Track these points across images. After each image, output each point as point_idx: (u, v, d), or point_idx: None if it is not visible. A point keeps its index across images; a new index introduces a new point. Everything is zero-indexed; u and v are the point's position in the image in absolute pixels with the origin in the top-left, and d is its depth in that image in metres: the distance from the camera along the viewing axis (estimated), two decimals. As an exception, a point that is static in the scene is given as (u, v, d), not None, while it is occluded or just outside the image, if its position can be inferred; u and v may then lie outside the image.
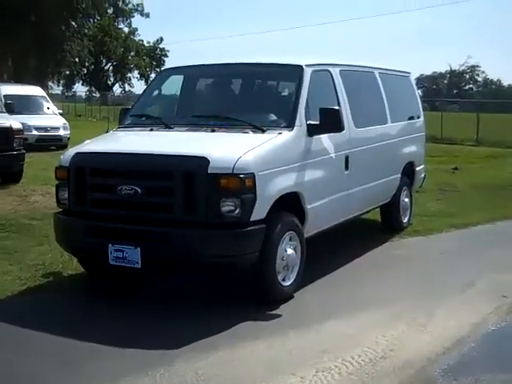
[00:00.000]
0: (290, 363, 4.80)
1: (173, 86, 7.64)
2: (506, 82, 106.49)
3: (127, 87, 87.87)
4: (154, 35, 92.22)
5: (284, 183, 6.04)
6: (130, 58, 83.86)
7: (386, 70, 8.92)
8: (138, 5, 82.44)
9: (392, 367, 4.72)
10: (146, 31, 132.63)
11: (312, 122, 6.45)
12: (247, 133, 6.20)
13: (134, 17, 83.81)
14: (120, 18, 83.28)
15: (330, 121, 6.42)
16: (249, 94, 7.25)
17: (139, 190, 5.72)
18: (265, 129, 6.21)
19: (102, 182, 6.01)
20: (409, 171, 9.32)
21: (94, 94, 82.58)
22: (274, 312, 5.87)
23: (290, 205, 6.23)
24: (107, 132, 7.12)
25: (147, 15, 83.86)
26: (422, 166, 9.88)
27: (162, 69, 7.67)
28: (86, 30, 53.94)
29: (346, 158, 7.19)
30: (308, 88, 6.61)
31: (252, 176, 5.60)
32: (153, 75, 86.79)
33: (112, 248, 5.83)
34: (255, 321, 5.66)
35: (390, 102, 8.55)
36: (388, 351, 4.99)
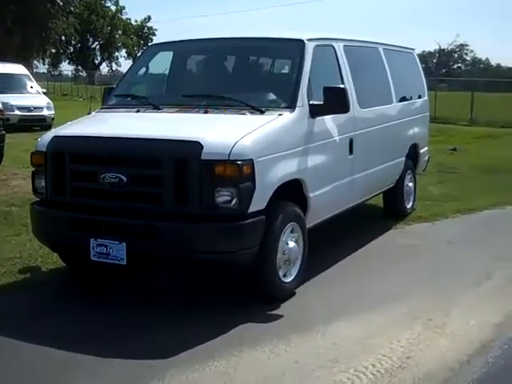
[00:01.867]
0: (295, 375, 4.26)
1: (161, 63, 6.97)
2: (493, 62, 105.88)
3: (114, 66, 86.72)
4: (141, 14, 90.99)
5: (285, 170, 5.46)
6: (117, 36, 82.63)
7: (390, 45, 8.32)
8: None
9: (412, 379, 4.17)
10: (133, 10, 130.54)
11: (315, 103, 5.85)
12: (244, 114, 5.59)
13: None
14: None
15: (334, 101, 5.82)
16: (245, 71, 6.59)
17: (124, 179, 5.12)
18: (263, 110, 5.60)
19: (83, 170, 5.39)
20: (413, 154, 8.75)
21: (80, 73, 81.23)
22: (275, 312, 5.31)
23: (291, 193, 5.66)
24: (89, 113, 6.46)
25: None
26: (425, 149, 9.33)
27: (149, 44, 6.94)
28: (72, 8, 52.80)
29: (351, 142, 6.60)
30: (310, 65, 6.00)
31: (250, 162, 5.01)
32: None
33: (94, 243, 5.24)
34: (255, 323, 5.10)
35: (394, 81, 7.96)
36: (405, 359, 4.44)
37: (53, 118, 20.59)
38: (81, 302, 5.64)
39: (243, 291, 5.72)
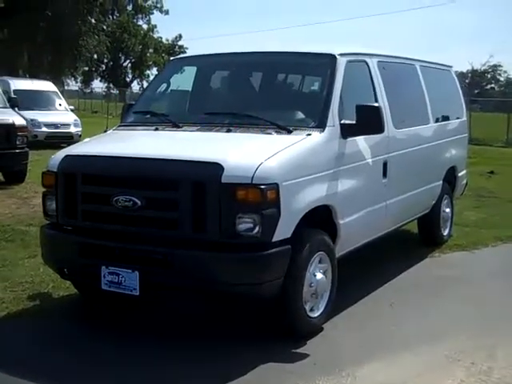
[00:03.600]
0: (322, 428, 3.78)
1: (183, 78, 6.60)
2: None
3: (145, 84, 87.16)
4: (172, 32, 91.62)
5: (314, 195, 5.01)
6: (148, 55, 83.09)
7: (428, 62, 7.83)
8: (157, 1, 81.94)
9: None
10: (165, 28, 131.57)
11: (347, 122, 5.40)
12: (270, 134, 5.15)
13: (153, 14, 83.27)
14: (139, 15, 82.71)
15: (368, 120, 5.36)
16: (271, 88, 6.15)
17: (138, 202, 4.71)
18: (291, 129, 5.16)
19: (95, 191, 5.00)
20: (450, 177, 8.24)
21: (112, 91, 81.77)
22: (300, 351, 4.83)
23: (320, 220, 5.20)
24: (106, 131, 6.08)
25: (166, 12, 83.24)
26: (464, 172, 8.81)
27: (171, 58, 6.53)
28: (105, 27, 53.20)
29: (385, 164, 6.13)
30: (342, 81, 5.56)
31: (275, 187, 4.57)
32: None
33: (105, 271, 4.84)
34: (277, 363, 4.63)
35: (431, 100, 7.47)
36: (446, 412, 3.94)
37: (80, 135, 20.41)
38: (91, 333, 5.21)
39: (264, 327, 5.25)
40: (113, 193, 4.82)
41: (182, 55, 6.85)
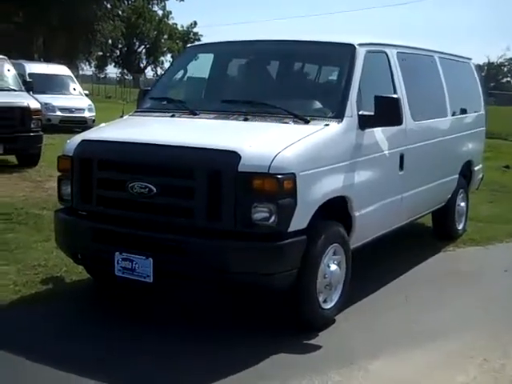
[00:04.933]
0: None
1: (200, 65, 6.55)
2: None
3: (159, 70, 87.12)
4: (188, 19, 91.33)
5: (330, 186, 4.97)
6: (162, 41, 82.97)
7: (447, 54, 7.74)
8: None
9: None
10: (180, 15, 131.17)
11: (365, 113, 5.34)
12: (287, 123, 5.11)
13: (168, 0, 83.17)
14: (154, 1, 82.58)
15: (387, 112, 5.30)
16: (289, 76, 6.09)
17: (154, 189, 4.69)
18: (309, 119, 5.11)
19: (111, 177, 4.98)
20: (466, 171, 8.17)
21: (126, 77, 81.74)
22: (311, 342, 4.81)
23: (335, 211, 5.16)
24: (122, 116, 6.05)
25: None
26: (480, 166, 8.73)
27: (188, 46, 6.48)
28: (120, 12, 53.02)
29: (401, 157, 6.07)
30: (361, 72, 5.50)
31: (292, 177, 4.53)
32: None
33: (119, 257, 4.82)
34: (289, 354, 4.61)
35: (450, 92, 7.39)
36: (459, 409, 3.91)
37: (93, 120, 20.41)
38: (104, 319, 5.21)
39: (276, 317, 5.23)
40: (128, 179, 4.80)
41: (198, 42, 6.69)
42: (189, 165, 4.63)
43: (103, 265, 5.09)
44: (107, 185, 4.99)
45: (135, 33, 77.98)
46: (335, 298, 5.16)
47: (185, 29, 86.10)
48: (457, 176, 7.81)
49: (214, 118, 5.37)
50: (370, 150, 5.52)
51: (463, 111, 7.95)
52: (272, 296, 5.12)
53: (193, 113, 5.51)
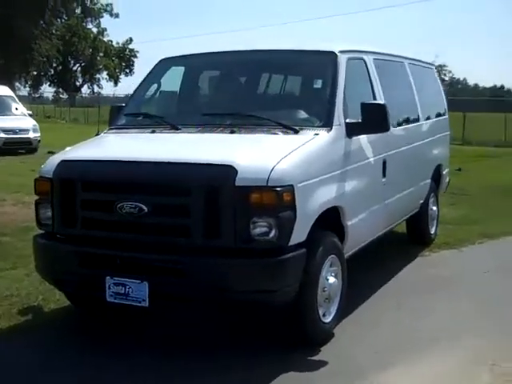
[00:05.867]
0: None
1: (174, 78, 6.35)
2: (471, 82, 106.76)
3: (96, 88, 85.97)
4: (123, 35, 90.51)
5: (326, 196, 4.85)
6: (98, 58, 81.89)
7: (414, 60, 7.76)
8: (106, 5, 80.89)
9: None
10: (115, 32, 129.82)
11: (352, 121, 5.26)
12: (276, 134, 4.97)
13: (102, 17, 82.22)
14: (88, 18, 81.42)
15: (374, 118, 5.22)
16: (271, 86, 5.99)
17: (145, 208, 4.47)
18: (297, 129, 4.99)
19: (97, 198, 4.74)
20: (437, 175, 8.20)
21: (61, 96, 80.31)
22: (316, 358, 4.67)
23: (328, 222, 5.04)
24: (98, 134, 5.80)
25: (116, 15, 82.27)
26: (447, 170, 8.79)
27: (161, 58, 6.27)
28: (54, 30, 52.06)
29: (384, 163, 6.01)
30: (344, 79, 5.42)
31: (291, 188, 4.39)
32: (122, 76, 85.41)
33: (110, 281, 4.58)
34: (297, 372, 4.45)
35: (420, 97, 7.41)
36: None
37: (39, 141, 19.88)
38: (90, 347, 4.94)
39: (274, 334, 5.07)
40: (116, 199, 4.57)
41: (171, 55, 6.35)
42: (182, 181, 4.44)
43: (92, 291, 4.84)
44: (93, 206, 4.75)
45: (70, 51, 76.80)
46: (333, 310, 5.04)
47: (120, 45, 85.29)
48: (429, 180, 7.83)
49: (199, 132, 5.19)
50: (357, 157, 5.44)
51: (432, 116, 7.99)
52: (268, 313, 4.95)
53: (174, 127, 5.31)
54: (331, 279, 4.94)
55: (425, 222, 7.92)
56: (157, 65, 6.29)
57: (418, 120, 7.28)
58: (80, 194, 4.74)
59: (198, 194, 4.35)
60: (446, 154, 8.73)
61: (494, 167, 17.40)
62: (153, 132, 5.36)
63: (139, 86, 6.17)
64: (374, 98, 5.93)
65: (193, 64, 6.29)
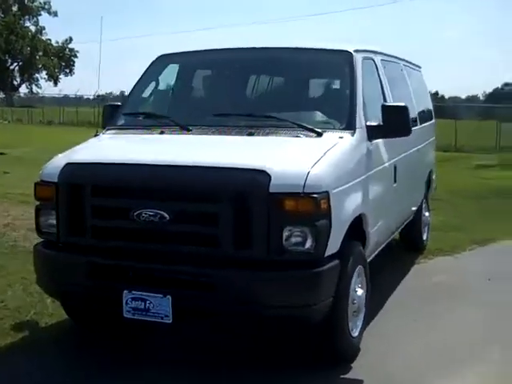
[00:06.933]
0: None
1: (171, 77, 5.96)
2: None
3: (34, 88, 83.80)
4: (62, 35, 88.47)
5: (354, 203, 4.58)
6: (37, 57, 79.74)
7: (407, 62, 7.57)
8: (45, 3, 78.98)
9: None
10: (54, 30, 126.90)
11: (372, 124, 5.02)
12: (299, 137, 4.67)
13: (40, 15, 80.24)
14: (26, 16, 79.29)
15: (396, 121, 4.99)
16: (284, 87, 5.64)
17: (167, 216, 4.10)
18: (320, 131, 4.70)
19: (110, 205, 4.34)
20: (429, 180, 8.06)
21: (-2, 95, 77.95)
22: (350, 376, 4.39)
23: (352, 230, 4.77)
24: (96, 135, 5.35)
25: (55, 14, 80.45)
26: (435, 175, 8.65)
27: (158, 55, 5.88)
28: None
29: (395, 168, 5.80)
30: (362, 79, 5.18)
31: (327, 195, 4.10)
32: (62, 76, 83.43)
33: (128, 296, 4.18)
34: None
35: (416, 100, 7.24)
36: None
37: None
38: (97, 367, 4.54)
39: (294, 349, 4.78)
40: (133, 206, 4.18)
41: (172, 51, 5.94)
42: (211, 187, 4.08)
43: (105, 305, 4.45)
44: (105, 213, 4.34)
45: (7, 49, 74.67)
46: (359, 324, 4.78)
47: (60, 45, 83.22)
48: (424, 185, 7.68)
49: (213, 134, 4.83)
50: (376, 162, 5.20)
51: (425, 119, 7.83)
52: (298, 328, 4.64)
53: (184, 128, 4.94)
54: (359, 291, 4.69)
55: (418, 228, 7.76)
56: (154, 62, 5.89)
57: (416, 124, 7.09)
58: (90, 200, 4.34)
59: (227, 200, 4.01)
60: (434, 158, 8.61)
61: (449, 172, 17.47)
62: (162, 133, 4.98)
63: (137, 83, 5.77)
64: (385, 100, 5.71)
65: (193, 62, 5.91)
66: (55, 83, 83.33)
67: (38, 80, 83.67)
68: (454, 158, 21.82)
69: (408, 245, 7.89)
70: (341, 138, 4.70)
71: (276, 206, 3.97)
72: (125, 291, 4.18)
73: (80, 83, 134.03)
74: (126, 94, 6.05)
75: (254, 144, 4.61)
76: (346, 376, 4.38)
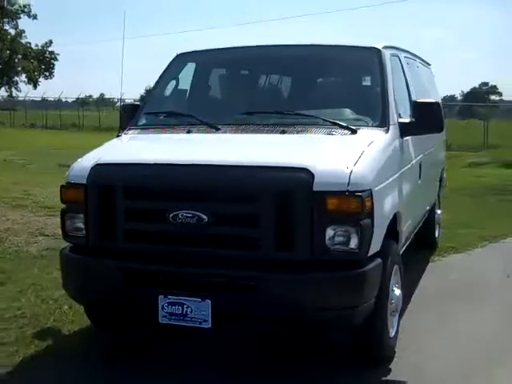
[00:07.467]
0: None
1: (191, 75, 5.81)
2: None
3: (14, 91, 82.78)
4: (42, 38, 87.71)
5: (392, 201, 4.48)
6: (17, 60, 78.84)
7: (421, 59, 7.50)
8: (24, 6, 78.13)
9: None
10: (33, 34, 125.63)
11: (405, 121, 4.92)
12: (333, 134, 4.56)
13: (20, 18, 79.30)
14: (5, 19, 78.48)
15: (429, 118, 4.89)
16: (312, 83, 5.51)
17: (205, 217, 3.96)
18: (355, 129, 4.59)
19: (145, 207, 4.20)
20: (441, 178, 7.99)
21: (-25, 99, 76.86)
22: (392, 378, 4.29)
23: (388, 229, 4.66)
24: (118, 136, 5.19)
25: (35, 17, 79.47)
26: (445, 173, 8.60)
27: (177, 53, 5.73)
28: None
29: (420, 165, 5.71)
30: (391, 76, 5.09)
31: (370, 194, 3.98)
32: (41, 79, 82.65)
33: (164, 301, 4.04)
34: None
35: (432, 98, 7.15)
36: None
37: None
38: (131, 373, 4.38)
39: (325, 349, 4.67)
40: (170, 208, 4.04)
41: (192, 50, 5.79)
42: (251, 186, 3.95)
43: (138, 311, 4.28)
44: (139, 216, 4.20)
45: (-14, 52, 73.78)
46: (395, 324, 4.68)
47: (39, 48, 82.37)
48: (438, 183, 7.62)
49: (243, 132, 4.69)
50: (407, 160, 5.12)
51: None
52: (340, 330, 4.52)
53: (213, 127, 4.80)
54: (397, 291, 4.59)
55: (432, 225, 7.69)
56: (173, 60, 5.75)
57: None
58: (122, 202, 4.18)
59: (268, 200, 3.88)
60: (444, 157, 8.56)
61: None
62: (189, 132, 4.84)
63: (157, 82, 5.62)
64: (410, 97, 5.62)
65: (218, 60, 5.78)
66: (34, 86, 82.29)
67: (17, 83, 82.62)
68: (446, 157, 21.84)
69: (421, 242, 7.78)
70: (375, 135, 4.59)
71: (320, 204, 3.85)
72: (160, 296, 4.04)
73: (64, 86, 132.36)
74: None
75: (290, 142, 4.49)
76: (389, 378, 4.28)
